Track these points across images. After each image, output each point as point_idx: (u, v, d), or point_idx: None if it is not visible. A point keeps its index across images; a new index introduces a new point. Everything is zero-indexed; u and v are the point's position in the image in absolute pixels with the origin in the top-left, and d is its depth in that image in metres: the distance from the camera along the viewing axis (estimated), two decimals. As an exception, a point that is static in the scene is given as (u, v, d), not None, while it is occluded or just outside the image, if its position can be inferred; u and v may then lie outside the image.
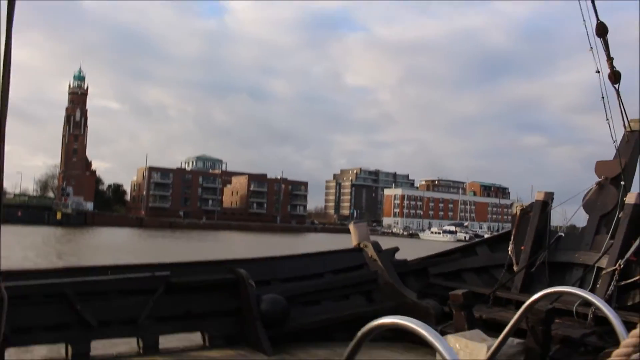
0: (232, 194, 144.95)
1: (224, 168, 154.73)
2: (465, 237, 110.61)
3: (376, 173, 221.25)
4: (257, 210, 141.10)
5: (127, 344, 6.59)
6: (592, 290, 7.19)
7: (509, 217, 10.16)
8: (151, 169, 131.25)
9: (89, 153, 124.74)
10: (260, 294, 6.88)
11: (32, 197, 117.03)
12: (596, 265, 7.41)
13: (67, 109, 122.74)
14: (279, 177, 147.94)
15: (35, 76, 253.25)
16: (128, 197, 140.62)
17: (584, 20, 7.24)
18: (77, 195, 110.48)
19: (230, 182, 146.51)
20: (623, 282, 6.88)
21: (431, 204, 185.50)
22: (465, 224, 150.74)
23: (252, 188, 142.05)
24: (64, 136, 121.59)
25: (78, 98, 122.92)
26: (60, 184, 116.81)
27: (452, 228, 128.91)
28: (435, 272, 9.00)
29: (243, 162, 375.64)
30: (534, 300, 2.61)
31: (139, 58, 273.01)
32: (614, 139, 7.89)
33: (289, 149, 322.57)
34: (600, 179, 8.10)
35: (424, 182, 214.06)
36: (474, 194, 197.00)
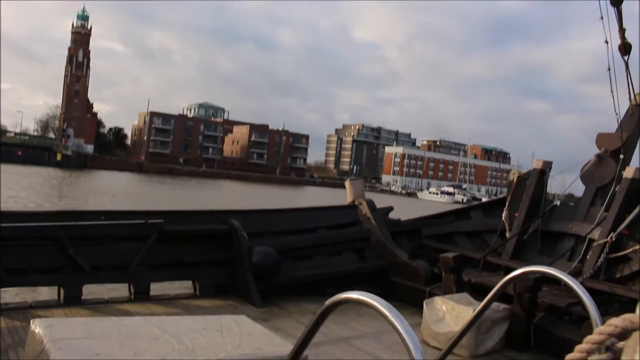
0: (233, 143, 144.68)
1: (225, 117, 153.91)
2: (462, 199, 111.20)
3: (378, 130, 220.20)
4: (257, 160, 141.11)
5: (119, 290, 6.69)
6: (582, 262, 7.24)
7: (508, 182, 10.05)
8: (153, 114, 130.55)
9: (91, 95, 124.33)
10: (253, 246, 6.92)
11: (32, 136, 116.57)
12: (588, 236, 7.43)
13: (69, 49, 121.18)
14: (280, 129, 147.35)
15: (38, 13, 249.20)
16: (129, 142, 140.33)
17: None
18: (78, 137, 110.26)
19: (231, 131, 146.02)
20: (613, 255, 6.92)
21: (431, 164, 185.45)
22: (464, 186, 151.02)
23: (253, 138, 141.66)
24: (65, 76, 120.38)
25: (81, 38, 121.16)
26: (61, 125, 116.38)
27: (450, 189, 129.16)
28: (428, 233, 9.04)
29: (245, 111, 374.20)
30: (509, 278, 2.63)
31: None
32: (617, 112, 7.79)
33: (292, 100, 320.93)
34: (600, 151, 8.04)
35: (425, 142, 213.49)
36: (475, 156, 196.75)
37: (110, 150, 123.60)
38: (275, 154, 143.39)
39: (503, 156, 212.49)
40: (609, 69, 7.41)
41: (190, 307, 6.20)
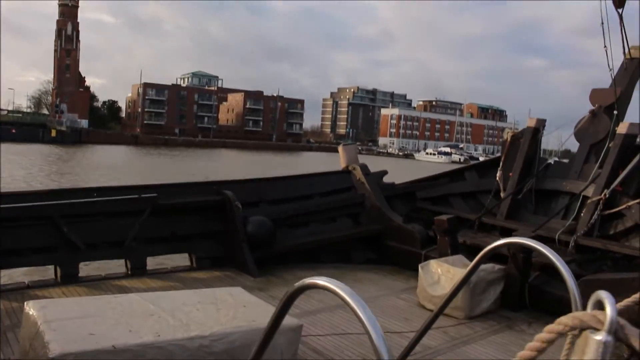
0: (228, 112, 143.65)
1: (219, 85, 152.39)
2: (460, 159, 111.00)
3: (374, 92, 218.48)
4: (253, 128, 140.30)
5: (116, 266, 6.70)
6: (576, 219, 7.26)
7: (505, 140, 9.95)
8: (146, 85, 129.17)
9: (83, 69, 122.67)
10: (247, 215, 6.92)
11: (26, 114, 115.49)
12: (582, 194, 7.43)
13: (57, 22, 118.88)
14: (275, 95, 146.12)
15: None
16: (123, 114, 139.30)
17: None
18: (72, 112, 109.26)
19: (226, 100, 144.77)
20: (607, 212, 6.93)
21: (428, 125, 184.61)
22: (461, 145, 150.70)
23: (248, 105, 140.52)
24: (55, 51, 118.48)
25: (69, 10, 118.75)
26: (54, 100, 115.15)
27: (447, 149, 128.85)
28: (422, 196, 9.04)
29: (239, 79, 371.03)
30: (486, 252, 2.61)
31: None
32: (611, 67, 7.69)
33: (286, 66, 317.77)
34: (594, 107, 7.97)
35: (421, 103, 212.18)
36: (471, 115, 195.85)
37: (105, 124, 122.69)
38: (271, 120, 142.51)
39: (500, 114, 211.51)
40: (602, 23, 7.28)
41: (187, 280, 6.23)
